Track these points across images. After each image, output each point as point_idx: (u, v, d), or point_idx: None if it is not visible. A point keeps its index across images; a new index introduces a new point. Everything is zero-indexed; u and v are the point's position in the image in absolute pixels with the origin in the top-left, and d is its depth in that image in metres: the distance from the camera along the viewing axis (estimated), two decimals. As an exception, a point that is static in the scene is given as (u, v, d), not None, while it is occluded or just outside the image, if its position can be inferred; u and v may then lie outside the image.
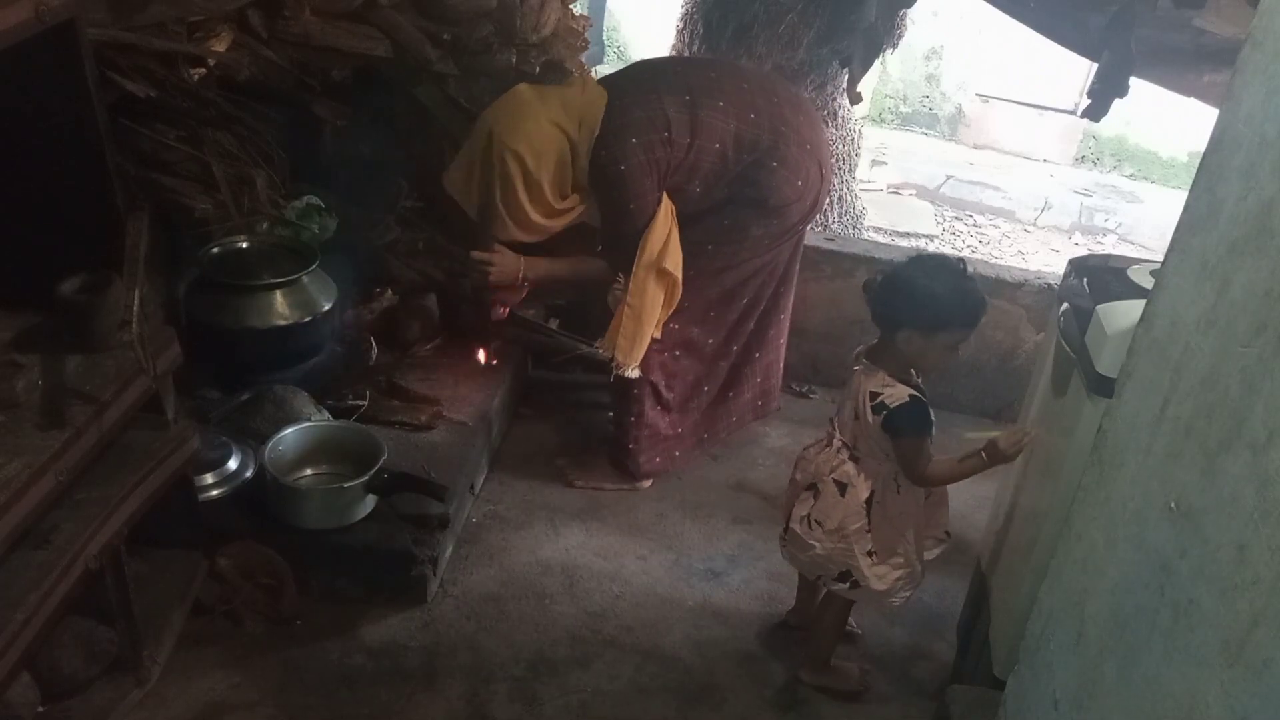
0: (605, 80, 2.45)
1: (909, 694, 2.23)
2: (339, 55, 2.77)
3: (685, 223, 2.46)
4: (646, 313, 2.46)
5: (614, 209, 2.42)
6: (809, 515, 2.04)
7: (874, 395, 1.91)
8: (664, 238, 2.41)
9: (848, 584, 2.03)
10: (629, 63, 2.65)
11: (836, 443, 2.03)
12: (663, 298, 2.48)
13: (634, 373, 2.51)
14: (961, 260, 1.98)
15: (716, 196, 2.45)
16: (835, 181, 4.01)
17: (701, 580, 2.49)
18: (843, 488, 1.99)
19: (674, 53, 3.96)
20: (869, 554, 1.99)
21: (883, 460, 1.96)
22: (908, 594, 2.06)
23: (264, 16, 2.63)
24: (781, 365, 2.90)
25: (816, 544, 2.02)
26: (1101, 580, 1.28)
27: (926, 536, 2.06)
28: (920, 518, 2.03)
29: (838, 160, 4.07)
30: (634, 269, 2.41)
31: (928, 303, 1.86)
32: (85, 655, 1.83)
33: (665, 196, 2.41)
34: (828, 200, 3.36)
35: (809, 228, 2.82)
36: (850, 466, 1.98)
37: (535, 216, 2.44)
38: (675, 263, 2.44)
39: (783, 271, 2.70)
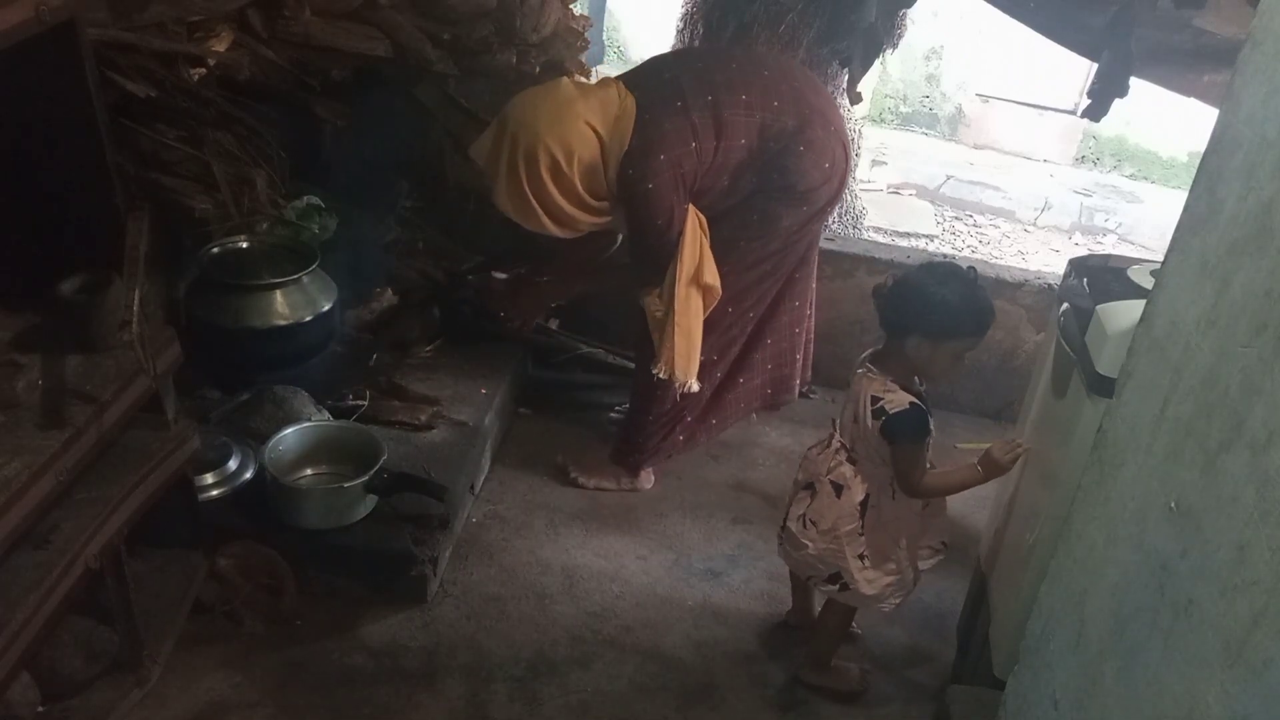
0: (630, 83, 2.39)
1: (909, 694, 2.23)
2: (339, 55, 2.78)
3: (715, 220, 2.44)
4: (695, 327, 2.45)
5: (643, 225, 2.40)
6: (805, 514, 2.05)
7: (875, 400, 1.92)
8: (697, 250, 2.40)
9: (837, 586, 2.03)
10: (648, 59, 2.58)
11: (836, 444, 2.03)
12: (703, 307, 2.46)
13: (695, 385, 2.49)
14: (972, 269, 1.98)
15: (744, 188, 2.43)
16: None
17: (701, 580, 2.48)
18: (838, 489, 1.99)
19: (675, 53, 3.95)
20: (860, 557, 1.99)
21: (879, 465, 1.96)
22: (897, 601, 2.06)
23: (264, 16, 2.63)
24: (800, 358, 2.81)
25: (809, 544, 2.03)
26: (1101, 580, 1.28)
27: (923, 546, 2.06)
28: (915, 525, 2.02)
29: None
30: (675, 288, 2.39)
31: (939, 310, 1.86)
32: (85, 655, 1.83)
33: (691, 207, 2.39)
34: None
35: (834, 213, 2.77)
36: (847, 468, 1.99)
37: (567, 206, 2.38)
38: (713, 272, 2.43)
39: (798, 256, 2.65)
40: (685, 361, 2.44)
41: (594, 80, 2.61)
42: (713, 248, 2.45)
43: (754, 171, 2.41)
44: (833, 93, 3.83)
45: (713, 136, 2.33)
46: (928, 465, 1.96)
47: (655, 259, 2.41)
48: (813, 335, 2.85)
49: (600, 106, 2.32)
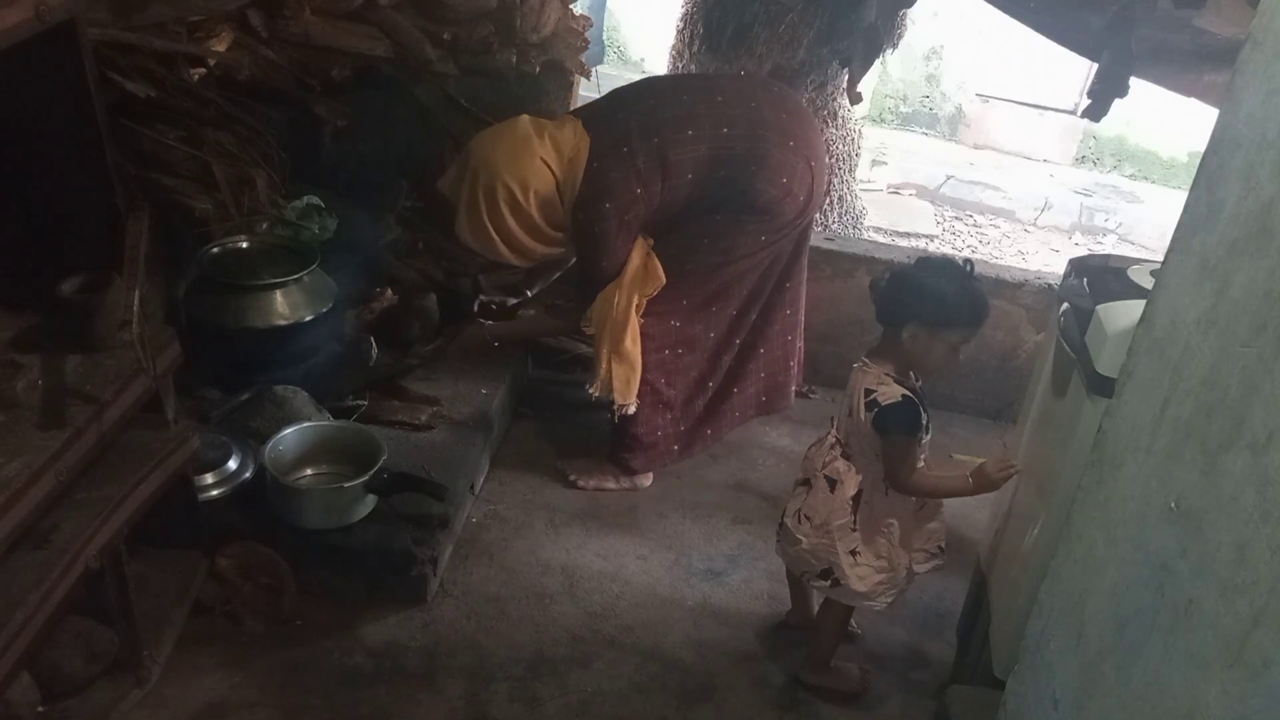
0: (587, 121, 2.48)
1: (909, 694, 2.23)
2: (339, 55, 2.78)
3: (680, 220, 2.48)
4: (633, 353, 2.53)
5: (589, 262, 2.54)
6: (800, 509, 2.06)
7: (868, 392, 1.93)
8: (640, 279, 2.49)
9: (829, 582, 2.04)
10: (609, 93, 2.69)
11: (831, 439, 2.04)
12: (638, 323, 2.53)
13: (632, 408, 2.58)
14: (968, 262, 1.99)
15: (700, 207, 2.47)
16: (832, 176, 3.97)
17: (701, 580, 2.49)
18: (832, 484, 2.00)
19: (674, 54, 3.96)
20: (851, 553, 2.00)
21: (873, 459, 1.97)
22: (889, 600, 2.06)
23: (264, 16, 2.64)
24: (795, 364, 2.85)
25: (803, 538, 2.04)
26: (1101, 580, 1.28)
27: (919, 549, 2.06)
28: (909, 524, 2.02)
29: (838, 160, 4.06)
30: (612, 311, 2.49)
31: (936, 298, 1.87)
32: (85, 655, 1.83)
33: (640, 239, 2.49)
34: (827, 196, 3.30)
35: (814, 223, 2.80)
36: (841, 463, 1.99)
37: (525, 238, 2.51)
38: (655, 275, 2.49)
39: (785, 265, 2.68)
40: (624, 385, 2.55)
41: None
42: (676, 244, 2.50)
43: (707, 196, 2.45)
44: (832, 93, 3.84)
45: (658, 179, 2.41)
46: (919, 464, 1.96)
47: (598, 283, 2.54)
48: (801, 337, 2.86)
49: (555, 145, 2.45)
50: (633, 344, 2.52)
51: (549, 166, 2.43)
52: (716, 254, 2.51)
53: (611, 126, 2.44)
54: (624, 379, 2.54)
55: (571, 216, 2.47)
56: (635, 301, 2.50)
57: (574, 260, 2.69)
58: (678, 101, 2.49)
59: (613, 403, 2.57)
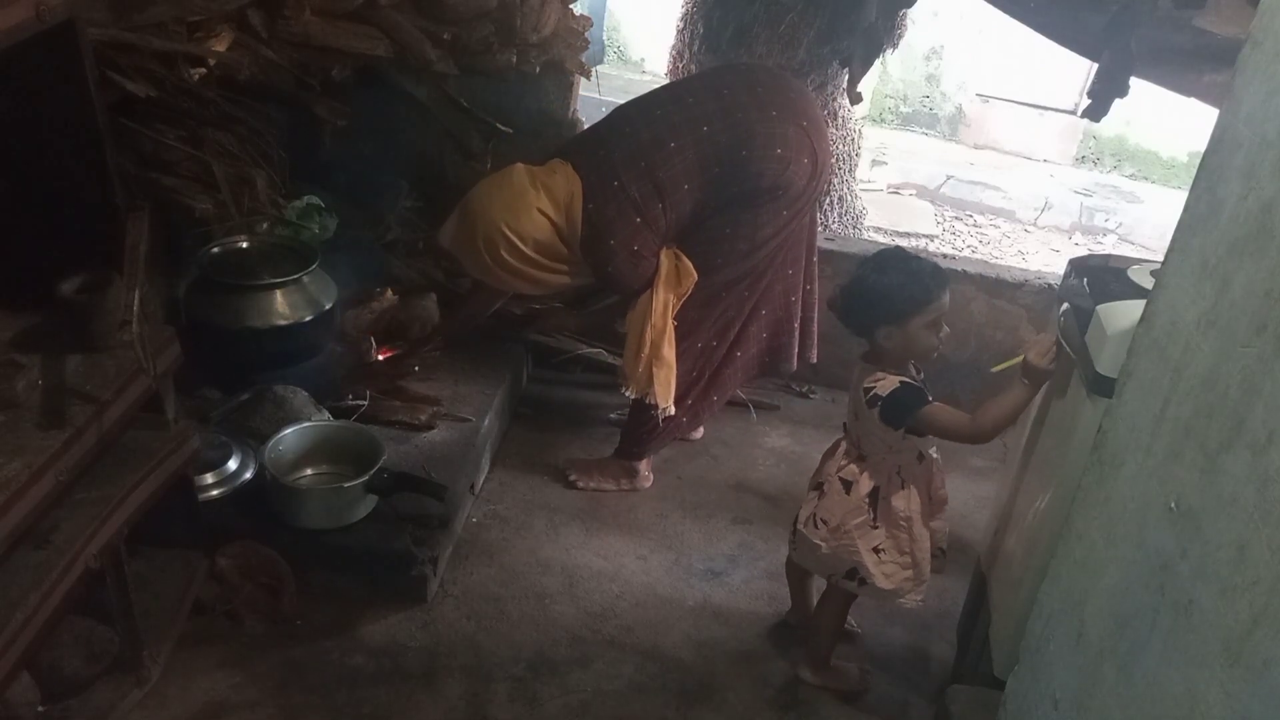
0: (576, 163, 2.48)
1: (909, 694, 2.23)
2: (339, 55, 2.78)
3: (697, 224, 2.49)
4: (670, 355, 2.53)
5: (615, 289, 2.62)
6: (814, 514, 2.06)
7: (867, 390, 1.95)
8: (673, 279, 2.50)
9: (855, 581, 2.05)
10: (586, 130, 2.73)
11: (844, 446, 2.06)
12: (673, 325, 2.53)
13: (672, 410, 2.57)
14: (899, 248, 2.07)
15: (711, 207, 2.47)
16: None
17: (701, 580, 2.49)
18: (847, 485, 2.01)
19: (674, 54, 3.96)
20: (875, 550, 2.00)
21: (885, 454, 1.98)
22: (919, 598, 2.06)
23: (264, 16, 2.64)
24: (794, 325, 2.78)
25: (821, 543, 2.04)
26: (1101, 580, 1.28)
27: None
28: (926, 514, 2.03)
29: (838, 160, 4.06)
30: (649, 317, 2.48)
31: (886, 296, 1.91)
32: (85, 655, 1.83)
33: (664, 251, 2.51)
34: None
35: (827, 189, 2.75)
36: (854, 466, 2.01)
37: (533, 272, 2.54)
38: (688, 273, 2.49)
39: (799, 240, 2.66)
40: (665, 388, 2.54)
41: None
42: (701, 244, 2.50)
43: (713, 196, 2.45)
44: (832, 93, 3.84)
45: (656, 200, 2.42)
46: (949, 419, 1.93)
47: (631, 295, 2.57)
48: (814, 313, 2.81)
49: (549, 194, 2.47)
50: (669, 346, 2.52)
51: (546, 215, 2.46)
52: (742, 241, 2.50)
53: (598, 164, 2.46)
54: (664, 381, 2.53)
55: (584, 257, 2.50)
56: (670, 303, 2.50)
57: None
58: (652, 119, 2.49)
59: (651, 404, 2.54)
